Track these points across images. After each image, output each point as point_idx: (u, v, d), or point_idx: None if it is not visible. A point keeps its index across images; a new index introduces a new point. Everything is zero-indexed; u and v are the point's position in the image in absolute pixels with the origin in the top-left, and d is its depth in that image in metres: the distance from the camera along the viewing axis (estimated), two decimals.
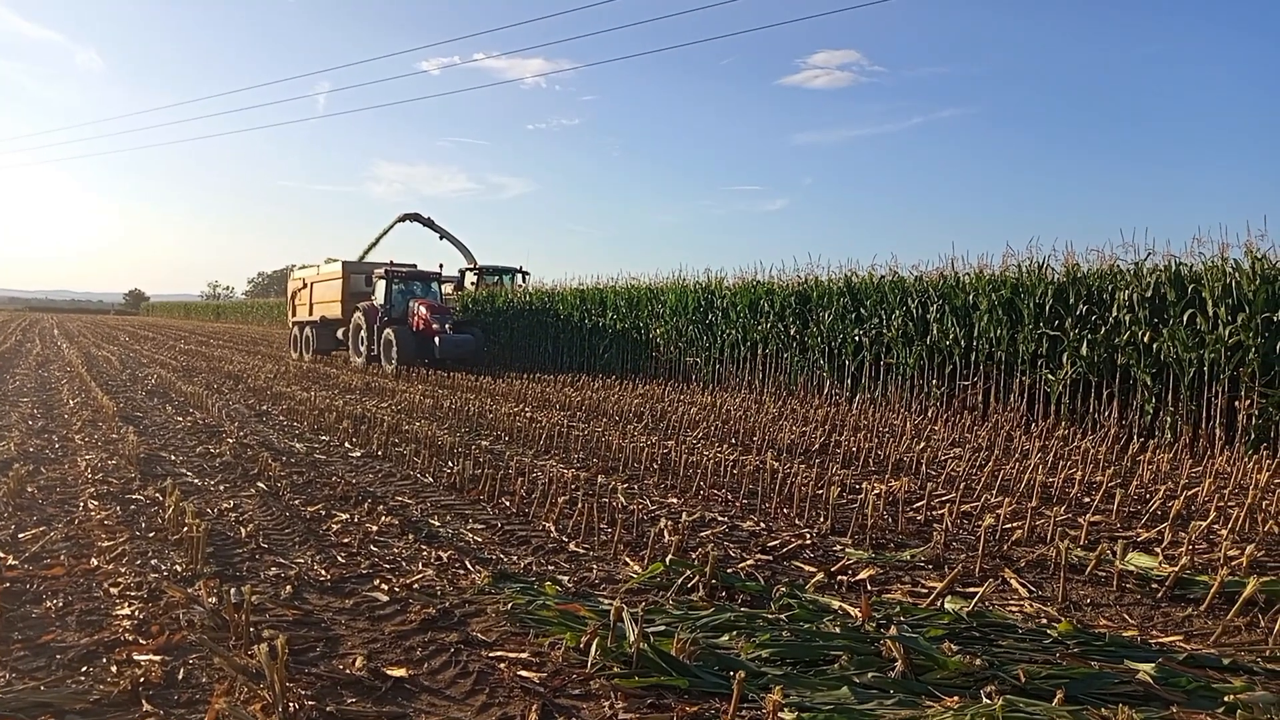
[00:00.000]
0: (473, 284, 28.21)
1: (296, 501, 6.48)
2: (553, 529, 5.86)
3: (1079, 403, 11.66)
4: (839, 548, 5.58)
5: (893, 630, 3.74)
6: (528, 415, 11.93)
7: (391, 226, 33.27)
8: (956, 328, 13.28)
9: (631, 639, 3.55)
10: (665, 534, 5.54)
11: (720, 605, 4.30)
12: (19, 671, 3.42)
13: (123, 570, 4.66)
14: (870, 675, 3.43)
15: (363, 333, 22.10)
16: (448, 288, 25.62)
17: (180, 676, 3.40)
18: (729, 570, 4.90)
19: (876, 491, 6.71)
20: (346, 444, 9.36)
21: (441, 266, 24.17)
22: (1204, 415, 10.25)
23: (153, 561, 4.85)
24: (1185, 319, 10.50)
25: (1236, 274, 10.18)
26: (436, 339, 20.47)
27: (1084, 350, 11.46)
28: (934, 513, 6.52)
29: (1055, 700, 3.15)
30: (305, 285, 26.36)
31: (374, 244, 33.29)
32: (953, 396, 13.30)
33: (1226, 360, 10.08)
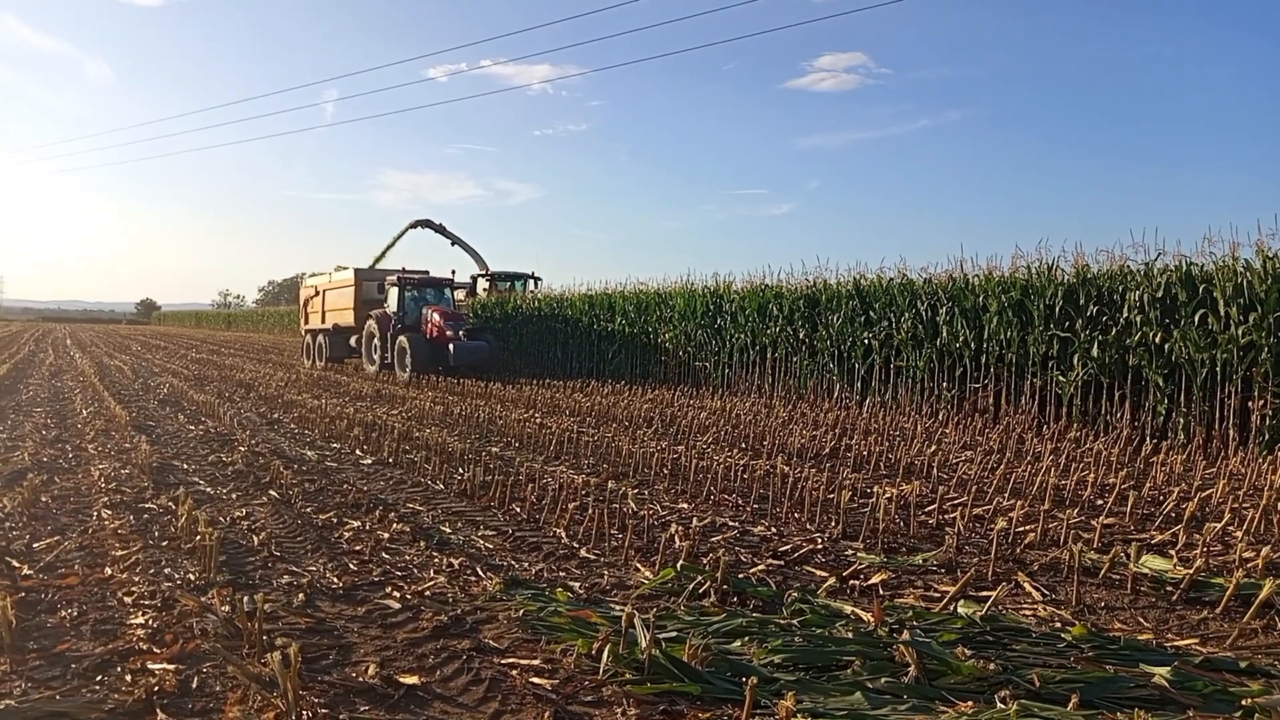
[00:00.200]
0: (485, 290, 28.23)
1: (308, 509, 6.50)
2: (564, 535, 5.86)
3: (1091, 404, 11.60)
4: (851, 552, 5.56)
5: (905, 635, 3.73)
6: (537, 421, 11.94)
7: (403, 233, 33.33)
8: (966, 330, 13.24)
9: (643, 645, 3.54)
10: (676, 539, 5.53)
11: (732, 611, 4.30)
12: (35, 681, 3.44)
13: (136, 579, 4.69)
14: (883, 680, 3.42)
15: (376, 340, 22.00)
16: (460, 294, 25.58)
17: (194, 685, 3.41)
18: (740, 575, 4.89)
19: (888, 495, 6.69)
20: (357, 451, 9.39)
21: (454, 273, 24.14)
22: (1217, 416, 10.19)
23: (166, 570, 4.87)
24: (1197, 319, 10.44)
25: (1248, 273, 10.12)
26: (451, 346, 20.33)
27: (1095, 351, 11.40)
28: (946, 516, 6.49)
29: (1070, 705, 3.14)
30: (318, 293, 26.23)
31: (386, 251, 33.36)
32: (963, 399, 13.25)
33: (1239, 360, 10.02)
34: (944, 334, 13.54)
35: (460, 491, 7.28)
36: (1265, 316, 9.78)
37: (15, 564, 4.92)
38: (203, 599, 4.32)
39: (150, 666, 3.56)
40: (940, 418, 12.97)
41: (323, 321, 25.65)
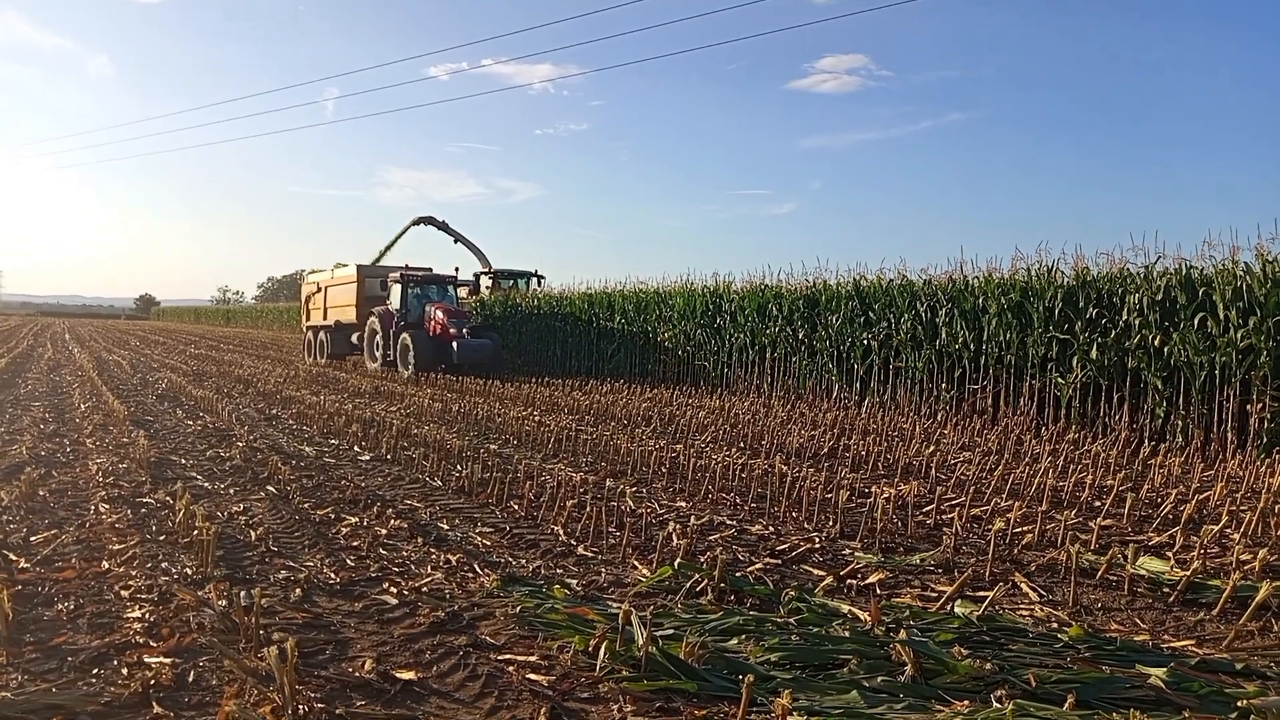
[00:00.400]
0: (488, 288, 28.16)
1: (306, 505, 6.49)
2: (561, 532, 5.86)
3: (1089, 406, 11.61)
4: (848, 551, 5.56)
5: (902, 634, 3.73)
6: (536, 419, 11.94)
7: (406, 230, 33.19)
8: (966, 331, 13.24)
9: (640, 642, 3.54)
10: (674, 537, 5.53)
11: (729, 609, 4.30)
12: (31, 673, 3.44)
13: (134, 573, 4.68)
14: (880, 679, 3.42)
15: (378, 337, 21.83)
16: (462, 292, 25.47)
17: (191, 679, 3.41)
18: (737, 574, 4.89)
19: (886, 495, 6.69)
20: (356, 448, 9.38)
21: (457, 270, 24.03)
22: (1215, 419, 10.19)
23: (163, 564, 4.87)
24: (1196, 322, 10.44)
25: (1247, 277, 10.13)
26: (454, 344, 20.08)
27: (1094, 354, 11.41)
28: (944, 516, 6.50)
29: (1066, 705, 3.14)
30: (319, 289, 26.03)
31: (388, 248, 33.20)
32: (962, 400, 13.25)
33: (1238, 363, 10.02)
34: (943, 335, 13.54)
35: (458, 488, 7.28)
36: (1264, 320, 9.79)
37: (12, 557, 4.91)
38: (200, 593, 4.32)
39: (147, 660, 3.56)
40: (939, 418, 12.97)
41: (324, 318, 25.48)
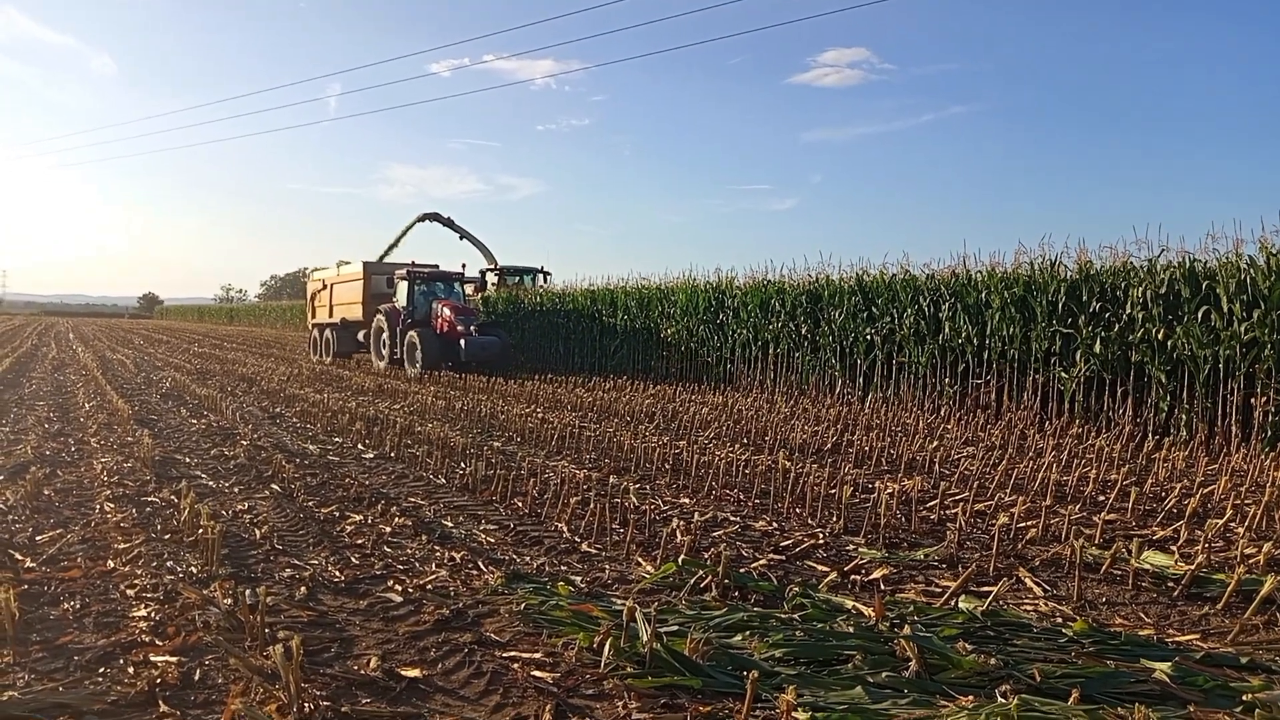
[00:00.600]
0: (494, 285, 28.10)
1: (310, 503, 6.51)
2: (565, 529, 5.87)
3: (1093, 400, 11.59)
4: (852, 547, 5.56)
5: (906, 630, 3.73)
6: (539, 416, 11.95)
7: (411, 226, 33.10)
8: (969, 326, 13.23)
9: (645, 639, 3.55)
10: (677, 534, 5.54)
11: (733, 605, 4.30)
12: (38, 672, 3.45)
13: (139, 572, 4.70)
14: (884, 675, 3.42)
15: (385, 335, 21.56)
16: (468, 288, 25.38)
17: (196, 677, 3.42)
18: (741, 570, 4.89)
19: (889, 491, 6.69)
20: (359, 446, 9.40)
21: (464, 266, 23.91)
22: (1219, 412, 10.18)
23: (168, 563, 4.88)
24: (1200, 315, 10.43)
25: (1251, 270, 10.11)
26: (462, 341, 19.80)
27: (1098, 348, 11.39)
28: (947, 512, 6.49)
29: (1071, 700, 3.14)
30: (325, 287, 25.82)
31: (394, 245, 33.11)
32: (966, 395, 13.25)
33: (1242, 357, 10.00)
34: (946, 330, 13.53)
35: (462, 486, 7.29)
36: (1268, 313, 9.77)
37: (18, 556, 4.93)
38: (205, 592, 4.33)
39: (152, 659, 3.57)
40: (942, 413, 12.97)
41: (330, 316, 25.28)
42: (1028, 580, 4.90)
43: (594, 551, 5.38)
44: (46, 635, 3.83)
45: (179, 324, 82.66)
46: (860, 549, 5.49)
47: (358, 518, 6.06)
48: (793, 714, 2.92)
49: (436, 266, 23.18)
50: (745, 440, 10.16)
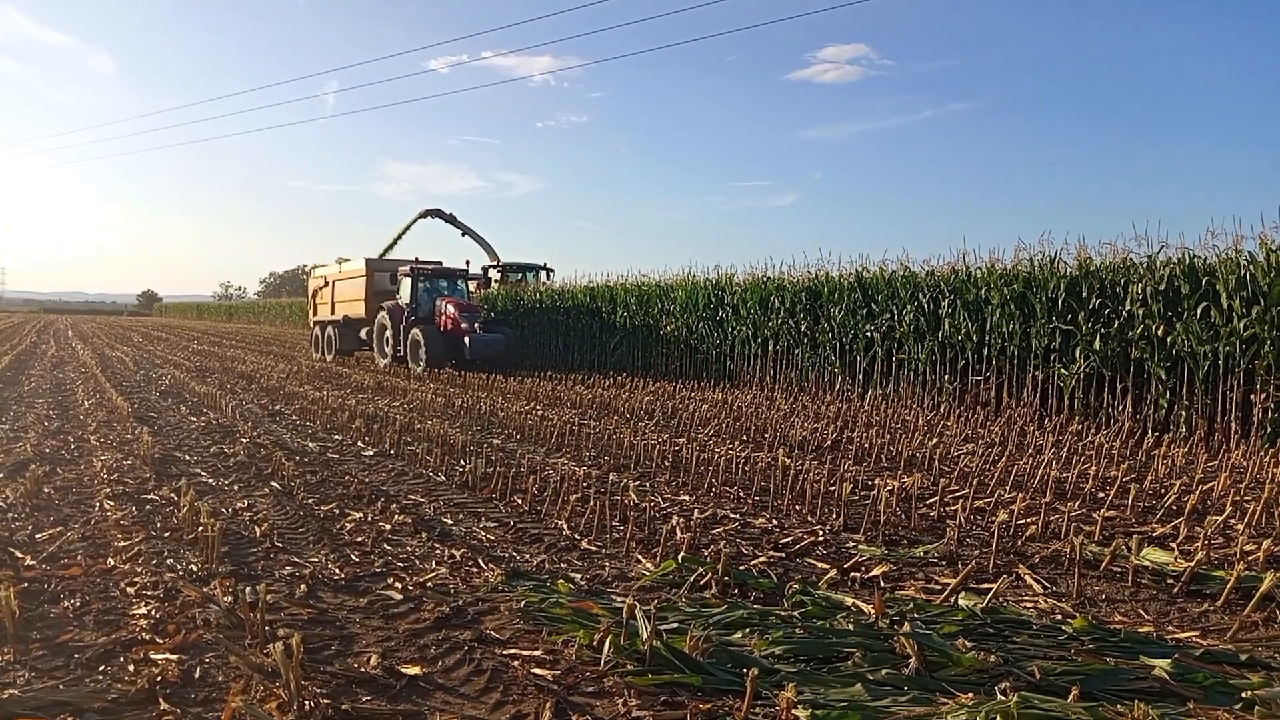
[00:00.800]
0: (496, 281, 28.02)
1: (310, 500, 6.51)
2: (565, 527, 5.87)
3: (1092, 397, 11.60)
4: (852, 544, 5.57)
5: (906, 627, 3.73)
6: (539, 413, 11.95)
7: (413, 223, 32.96)
8: (968, 322, 13.23)
9: (644, 636, 3.55)
10: (677, 531, 5.54)
11: (733, 602, 4.30)
12: (38, 670, 3.45)
13: (139, 570, 4.70)
14: (884, 672, 3.42)
15: (388, 333, 21.39)
16: (471, 285, 25.27)
17: (197, 675, 3.42)
18: (741, 567, 4.90)
19: (889, 488, 6.69)
20: (359, 443, 9.40)
21: (468, 263, 23.75)
22: (1219, 409, 10.18)
23: (168, 561, 4.88)
24: (1199, 312, 10.43)
25: (1251, 266, 10.11)
26: (466, 339, 19.66)
27: (1097, 344, 11.39)
28: (947, 509, 6.50)
29: (1070, 697, 3.14)
30: (327, 284, 25.60)
31: (395, 241, 32.96)
32: (965, 392, 13.25)
33: (1241, 353, 10.00)
34: (946, 326, 13.53)
35: (462, 483, 7.29)
36: (1268, 309, 9.77)
37: (18, 554, 4.93)
38: (205, 589, 4.33)
39: (153, 656, 3.57)
40: (942, 410, 12.97)
41: (332, 313, 25.07)
42: (1027, 577, 4.91)
43: (594, 549, 5.39)
44: (47, 633, 3.83)
45: (178, 321, 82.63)
46: (860, 546, 5.49)
47: (357, 515, 6.06)
48: (792, 711, 2.93)
49: (440, 263, 23.05)
50: (745, 437, 10.16)
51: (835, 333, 15.36)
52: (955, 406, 13.01)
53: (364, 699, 3.28)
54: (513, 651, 3.73)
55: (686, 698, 3.31)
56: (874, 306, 14.80)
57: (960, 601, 4.31)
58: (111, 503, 6.27)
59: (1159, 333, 10.75)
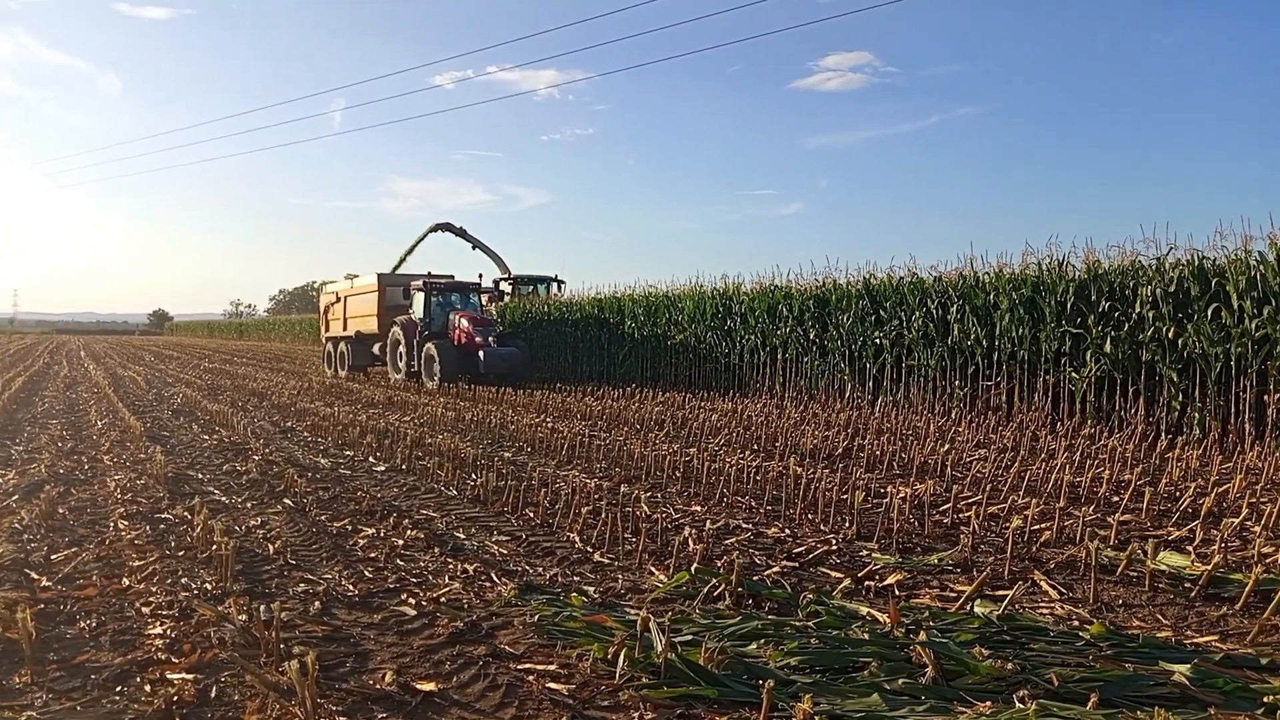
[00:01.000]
0: (508, 294, 28.04)
1: (323, 517, 6.52)
2: (577, 539, 5.87)
3: (1104, 400, 11.54)
4: (865, 553, 5.54)
5: (922, 635, 3.71)
6: (549, 426, 11.96)
7: (424, 237, 32.97)
8: (978, 328, 13.20)
9: (659, 649, 3.54)
10: (690, 542, 5.53)
11: (747, 613, 4.29)
12: (55, 692, 3.46)
13: (154, 589, 4.71)
14: (901, 681, 3.41)
15: (402, 348, 21.26)
16: (483, 298, 25.17)
17: (213, 694, 3.43)
18: (755, 578, 4.88)
19: (902, 495, 6.67)
20: (370, 459, 9.42)
21: (481, 276, 23.71)
22: (1232, 410, 10.12)
23: (183, 580, 4.90)
24: (1210, 313, 10.38)
25: (1261, 266, 10.07)
26: (480, 353, 19.55)
27: (1108, 347, 11.35)
28: (960, 515, 6.47)
29: (1089, 704, 3.12)
30: (339, 299, 25.48)
31: (406, 255, 32.98)
32: (976, 397, 13.21)
33: (1253, 354, 9.95)
34: (955, 332, 13.50)
35: (473, 497, 7.30)
36: (1279, 309, 9.72)
37: (34, 575, 4.95)
38: (220, 608, 4.34)
39: (169, 676, 3.58)
40: (953, 416, 12.92)
41: (344, 329, 24.96)
42: (1043, 583, 4.88)
43: (606, 561, 5.38)
44: (63, 654, 3.84)
45: (189, 340, 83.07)
46: (874, 554, 5.47)
47: (370, 531, 6.07)
48: None
49: (452, 277, 23.03)
50: (755, 446, 10.15)
51: (844, 340, 15.34)
52: (966, 412, 12.96)
53: (380, 716, 3.28)
54: (527, 666, 3.72)
55: (702, 710, 3.30)
56: (882, 313, 14.78)
57: (976, 609, 4.29)
58: (126, 522, 6.30)
59: (1170, 335, 10.71)
